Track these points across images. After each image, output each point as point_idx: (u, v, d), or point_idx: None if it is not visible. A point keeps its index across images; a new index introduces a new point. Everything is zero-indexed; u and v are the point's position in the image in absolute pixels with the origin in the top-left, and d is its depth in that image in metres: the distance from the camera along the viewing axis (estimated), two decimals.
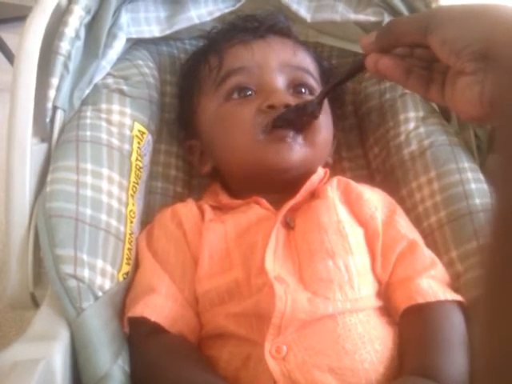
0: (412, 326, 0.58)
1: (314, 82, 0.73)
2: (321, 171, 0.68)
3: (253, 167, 0.67)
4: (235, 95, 0.70)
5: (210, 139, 0.73)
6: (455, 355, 0.54)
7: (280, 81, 0.70)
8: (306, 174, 0.66)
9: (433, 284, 0.59)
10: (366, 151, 0.81)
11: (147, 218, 0.69)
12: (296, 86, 0.71)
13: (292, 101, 0.68)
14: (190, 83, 0.77)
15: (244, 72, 0.70)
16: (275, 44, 0.73)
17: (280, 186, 0.67)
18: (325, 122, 0.70)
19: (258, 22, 0.75)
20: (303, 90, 0.71)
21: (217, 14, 0.77)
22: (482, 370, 0.26)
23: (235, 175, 0.71)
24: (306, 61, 0.74)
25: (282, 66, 0.70)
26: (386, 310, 0.60)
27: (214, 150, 0.72)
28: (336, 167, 0.79)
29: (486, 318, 0.26)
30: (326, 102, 0.73)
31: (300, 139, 0.67)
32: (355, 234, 0.61)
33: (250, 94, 0.69)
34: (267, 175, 0.67)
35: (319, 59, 0.79)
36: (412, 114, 0.75)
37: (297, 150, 0.66)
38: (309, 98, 0.70)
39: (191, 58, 0.80)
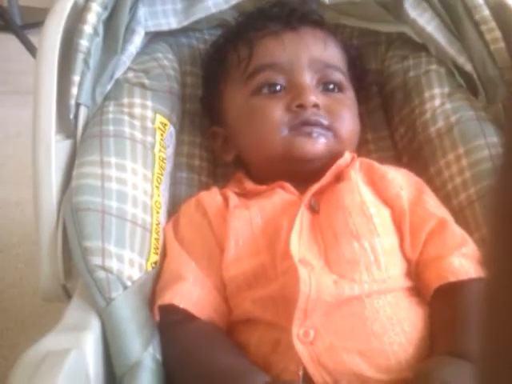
0: (444, 305, 0.57)
1: (342, 77, 0.72)
2: (348, 156, 0.68)
3: (277, 159, 0.67)
4: (265, 90, 0.70)
5: (235, 129, 0.73)
6: None
7: (309, 78, 0.69)
8: (331, 163, 0.66)
9: (464, 262, 0.58)
10: (392, 132, 0.80)
11: (173, 209, 0.70)
12: (325, 84, 0.71)
13: (321, 99, 0.68)
14: (216, 69, 0.76)
15: (274, 68, 0.70)
16: (306, 37, 0.72)
17: (305, 175, 0.67)
18: (353, 116, 0.71)
19: (289, 10, 0.74)
20: (332, 87, 0.71)
21: (233, 2, 0.77)
22: (486, 347, 0.25)
23: (259, 166, 0.71)
24: (335, 55, 0.73)
25: (312, 62, 0.70)
26: (416, 290, 0.59)
27: (239, 140, 0.73)
28: (361, 150, 0.77)
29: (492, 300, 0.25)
30: (353, 94, 0.73)
31: (327, 134, 0.67)
32: (381, 215, 0.60)
33: (279, 90, 0.69)
34: (292, 166, 0.67)
35: (348, 48, 0.78)
36: (437, 91, 0.73)
37: (322, 143, 0.67)
38: (338, 95, 0.71)
39: (219, 43, 0.79)
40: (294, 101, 0.67)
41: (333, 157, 0.67)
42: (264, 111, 0.68)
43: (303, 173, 0.67)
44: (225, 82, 0.74)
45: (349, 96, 0.72)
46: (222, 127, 0.76)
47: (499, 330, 0.23)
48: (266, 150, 0.68)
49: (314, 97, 0.67)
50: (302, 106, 0.67)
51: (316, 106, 0.67)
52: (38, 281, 0.60)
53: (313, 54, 0.71)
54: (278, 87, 0.69)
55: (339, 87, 0.72)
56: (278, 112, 0.67)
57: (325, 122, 0.67)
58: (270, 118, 0.67)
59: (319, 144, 0.67)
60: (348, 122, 0.69)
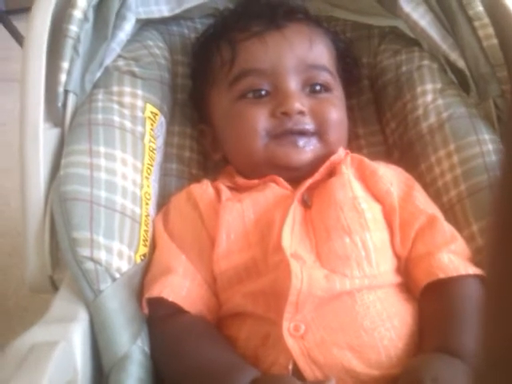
0: (434, 301, 0.57)
1: (329, 76, 0.71)
2: (342, 152, 0.67)
3: (261, 165, 0.67)
4: (250, 95, 0.68)
5: (220, 132, 0.72)
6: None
7: (294, 82, 0.68)
8: (322, 161, 0.65)
9: (454, 259, 0.58)
10: (383, 127, 0.79)
11: (163, 200, 0.69)
12: (312, 86, 0.69)
13: (307, 104, 0.67)
14: (201, 69, 0.75)
15: (258, 73, 0.68)
16: (291, 36, 0.70)
17: (294, 175, 0.66)
18: (340, 115, 0.70)
19: (272, 8, 0.72)
20: (319, 89, 0.70)
21: None
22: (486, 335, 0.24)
23: (244, 169, 0.70)
24: (322, 53, 0.72)
25: (297, 65, 0.68)
26: (406, 286, 0.59)
27: (224, 143, 0.72)
28: (352, 144, 0.77)
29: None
30: (341, 91, 0.72)
31: (312, 141, 0.66)
32: (372, 210, 0.60)
33: (264, 95, 0.68)
34: (277, 172, 0.66)
35: (336, 41, 0.76)
36: (429, 86, 0.73)
37: (309, 150, 0.66)
38: (324, 95, 0.69)
39: (202, 42, 0.78)
40: (279, 107, 0.66)
41: (321, 160, 0.66)
42: (247, 117, 0.67)
43: (289, 177, 0.66)
44: (210, 83, 0.73)
45: (336, 95, 0.71)
46: (209, 126, 0.74)
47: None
48: (249, 156, 0.67)
49: (298, 104, 0.66)
50: (286, 114, 0.66)
51: (301, 113, 0.66)
52: (22, 272, 0.59)
53: (298, 56, 0.69)
54: (263, 92, 0.68)
55: (326, 87, 0.70)
56: (261, 118, 0.66)
57: (310, 128, 0.66)
58: (253, 124, 0.66)
59: (306, 152, 0.66)
60: (335, 123, 0.68)
